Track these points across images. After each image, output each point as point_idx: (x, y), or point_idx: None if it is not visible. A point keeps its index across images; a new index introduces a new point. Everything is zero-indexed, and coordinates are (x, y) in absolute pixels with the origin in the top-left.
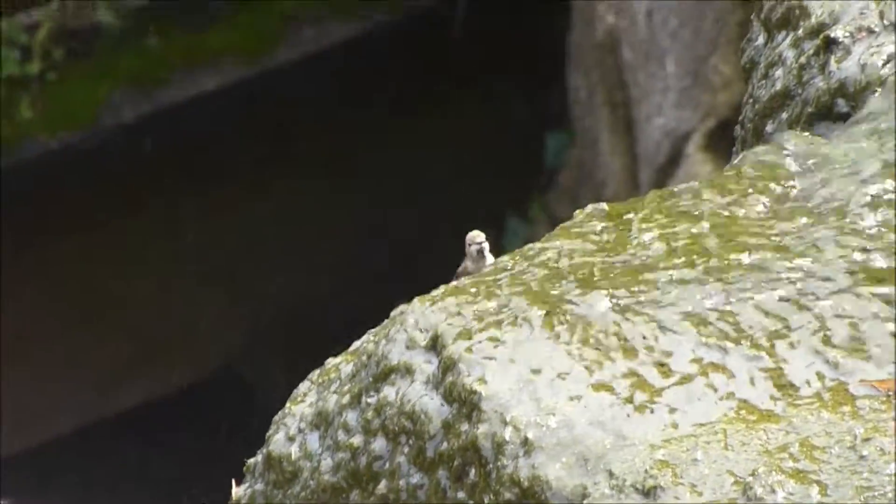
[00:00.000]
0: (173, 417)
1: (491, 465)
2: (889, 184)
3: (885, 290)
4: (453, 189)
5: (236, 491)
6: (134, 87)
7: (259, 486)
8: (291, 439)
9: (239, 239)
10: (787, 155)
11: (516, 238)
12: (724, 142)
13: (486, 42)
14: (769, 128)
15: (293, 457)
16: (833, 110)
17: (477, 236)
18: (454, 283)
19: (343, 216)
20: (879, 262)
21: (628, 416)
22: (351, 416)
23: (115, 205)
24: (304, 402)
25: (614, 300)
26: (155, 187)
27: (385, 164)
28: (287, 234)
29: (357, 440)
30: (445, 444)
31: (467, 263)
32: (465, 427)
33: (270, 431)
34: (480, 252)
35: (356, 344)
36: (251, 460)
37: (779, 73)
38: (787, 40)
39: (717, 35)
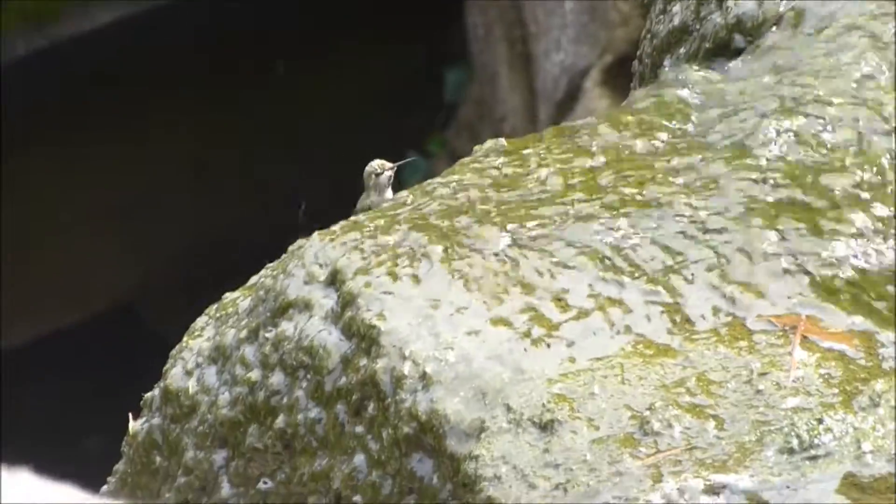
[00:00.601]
0: (69, 355)
1: (389, 400)
2: (785, 120)
3: (780, 225)
4: (353, 126)
5: (133, 425)
6: (27, 22)
7: (156, 421)
8: (189, 373)
9: (137, 176)
10: (685, 90)
11: (416, 174)
12: (621, 77)
13: None
14: (667, 63)
15: (191, 391)
16: (730, 46)
17: (384, 165)
18: (353, 217)
19: (243, 153)
20: (775, 197)
21: (526, 350)
22: (249, 351)
23: (10, 141)
24: (201, 336)
25: (512, 235)
26: (51, 122)
27: (283, 101)
28: (186, 172)
29: (255, 375)
30: (344, 379)
31: (371, 197)
32: (363, 362)
33: (168, 365)
34: (389, 179)
35: (254, 279)
36: (148, 394)
37: (677, 8)
38: None
39: None
